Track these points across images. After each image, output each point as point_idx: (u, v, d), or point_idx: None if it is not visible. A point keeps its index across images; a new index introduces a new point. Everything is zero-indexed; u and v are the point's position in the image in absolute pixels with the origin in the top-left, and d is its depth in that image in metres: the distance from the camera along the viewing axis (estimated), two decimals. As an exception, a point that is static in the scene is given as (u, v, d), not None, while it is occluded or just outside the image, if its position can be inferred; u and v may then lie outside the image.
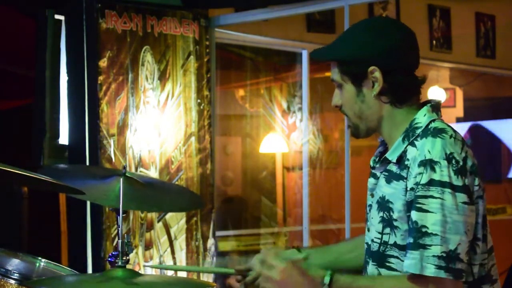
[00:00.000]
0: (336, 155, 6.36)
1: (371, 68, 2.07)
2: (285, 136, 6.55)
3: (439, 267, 1.92)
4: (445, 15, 6.51)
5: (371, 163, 2.20)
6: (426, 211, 1.94)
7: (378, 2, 5.98)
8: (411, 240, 1.96)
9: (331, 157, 6.39)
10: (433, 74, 6.80)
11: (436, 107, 2.12)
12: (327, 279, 2.01)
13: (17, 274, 2.45)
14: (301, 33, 5.63)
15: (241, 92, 6.76)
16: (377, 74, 2.07)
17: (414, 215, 1.96)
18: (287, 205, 6.85)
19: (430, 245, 1.92)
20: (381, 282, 2.04)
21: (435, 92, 6.81)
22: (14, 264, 2.61)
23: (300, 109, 6.01)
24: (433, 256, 1.92)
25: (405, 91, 2.10)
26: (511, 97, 7.60)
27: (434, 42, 6.43)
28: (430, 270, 1.92)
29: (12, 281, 2.42)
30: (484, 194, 2.04)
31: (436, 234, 1.92)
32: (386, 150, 2.17)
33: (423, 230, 1.94)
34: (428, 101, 2.14)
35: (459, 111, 7.27)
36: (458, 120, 7.23)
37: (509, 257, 3.84)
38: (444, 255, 1.92)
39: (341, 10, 4.50)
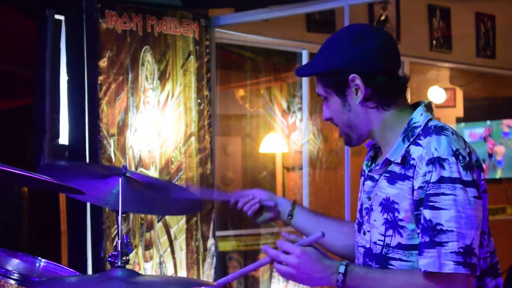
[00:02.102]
0: (336, 155, 6.35)
1: (351, 76, 2.09)
2: (285, 136, 6.54)
3: (457, 263, 1.92)
4: (445, 15, 6.51)
5: (365, 168, 2.21)
6: (439, 208, 1.95)
7: (378, 2, 5.98)
8: (427, 239, 1.96)
9: (331, 157, 6.38)
10: (433, 74, 6.80)
11: (429, 107, 2.14)
12: (342, 268, 2.03)
13: (17, 274, 2.44)
14: (301, 33, 5.63)
15: (241, 92, 6.75)
16: (358, 81, 2.08)
17: (427, 213, 1.96)
18: (287, 205, 6.83)
19: (447, 242, 1.93)
20: (395, 275, 2.04)
21: (435, 92, 6.81)
22: (14, 264, 2.62)
23: (300, 109, 6.00)
24: (451, 252, 1.93)
25: (389, 93, 2.11)
26: (511, 97, 7.60)
27: (434, 42, 6.42)
28: (450, 267, 1.93)
29: (12, 281, 2.41)
30: (486, 188, 2.06)
31: (452, 231, 1.93)
32: (377, 154, 2.18)
33: (438, 228, 1.94)
34: (419, 102, 2.16)
35: (459, 111, 7.26)
36: (458, 120, 7.23)
37: (509, 257, 3.84)
38: (462, 250, 1.93)
39: (341, 10, 4.50)
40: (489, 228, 2.08)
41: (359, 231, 2.20)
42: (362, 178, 2.24)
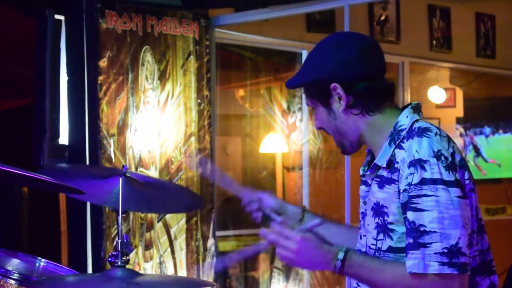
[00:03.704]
0: (336, 155, 6.34)
1: (332, 85, 2.11)
2: (285, 136, 6.54)
3: (442, 264, 1.93)
4: (445, 15, 6.51)
5: (361, 172, 2.23)
6: (422, 210, 1.96)
7: (378, 2, 5.98)
8: (411, 240, 1.97)
9: (331, 157, 6.38)
10: (433, 74, 6.79)
11: (417, 108, 2.15)
12: (341, 255, 2.04)
13: (17, 274, 2.45)
14: (301, 33, 5.63)
15: (241, 92, 6.75)
16: (339, 90, 2.10)
17: (411, 215, 1.98)
18: (287, 205, 6.83)
19: (431, 243, 1.94)
20: (392, 267, 2.04)
21: (435, 92, 6.81)
22: (14, 264, 2.62)
23: (300, 109, 6.01)
24: (435, 253, 1.94)
25: (372, 98, 2.12)
26: (511, 97, 7.60)
27: (434, 42, 6.42)
28: (434, 268, 1.94)
29: (12, 281, 2.42)
30: (474, 187, 2.06)
31: (434, 232, 1.94)
32: (373, 158, 2.19)
33: (422, 229, 1.95)
34: (408, 104, 2.17)
35: (459, 111, 7.26)
36: (458, 120, 7.23)
37: (509, 257, 3.84)
38: (446, 250, 1.93)
39: (341, 10, 4.50)
40: (482, 226, 2.09)
41: (358, 235, 2.21)
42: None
